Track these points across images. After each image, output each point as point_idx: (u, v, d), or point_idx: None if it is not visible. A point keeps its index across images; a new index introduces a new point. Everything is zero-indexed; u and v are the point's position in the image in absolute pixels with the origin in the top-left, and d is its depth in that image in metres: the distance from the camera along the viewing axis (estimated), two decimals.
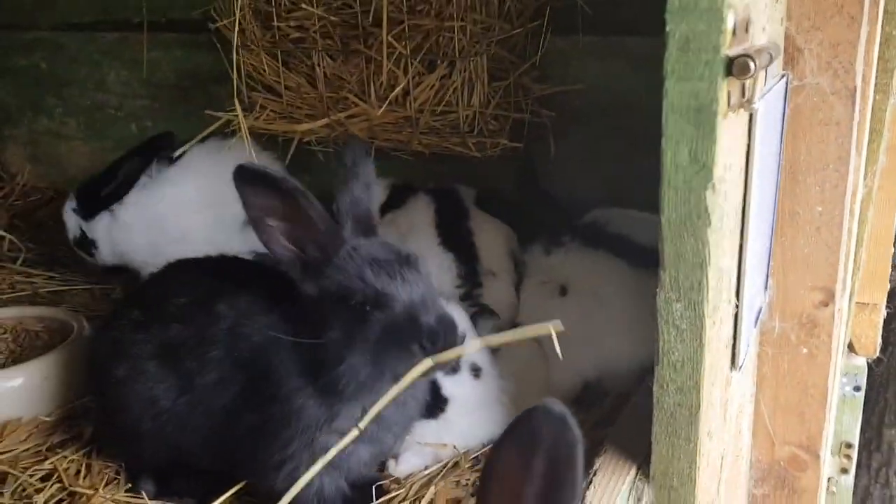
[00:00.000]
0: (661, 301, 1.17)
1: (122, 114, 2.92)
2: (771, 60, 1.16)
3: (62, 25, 2.90)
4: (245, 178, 1.16)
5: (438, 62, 1.86)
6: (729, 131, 1.11)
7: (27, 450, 1.57)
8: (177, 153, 2.15)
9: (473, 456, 1.51)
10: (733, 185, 1.19)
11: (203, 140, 2.18)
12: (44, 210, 2.93)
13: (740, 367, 1.37)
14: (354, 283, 1.19)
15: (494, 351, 1.63)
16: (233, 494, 1.35)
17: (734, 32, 1.07)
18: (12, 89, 3.11)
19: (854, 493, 3.09)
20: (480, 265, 1.88)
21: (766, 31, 1.34)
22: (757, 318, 1.56)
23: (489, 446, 1.56)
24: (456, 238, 1.91)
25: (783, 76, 1.52)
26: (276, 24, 2.00)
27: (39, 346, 1.82)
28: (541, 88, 1.88)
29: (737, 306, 1.31)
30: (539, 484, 0.77)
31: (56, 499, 1.42)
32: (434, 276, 1.75)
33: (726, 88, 1.05)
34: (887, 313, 3.01)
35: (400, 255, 1.24)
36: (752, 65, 1.02)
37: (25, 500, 1.43)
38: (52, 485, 1.45)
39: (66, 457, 1.52)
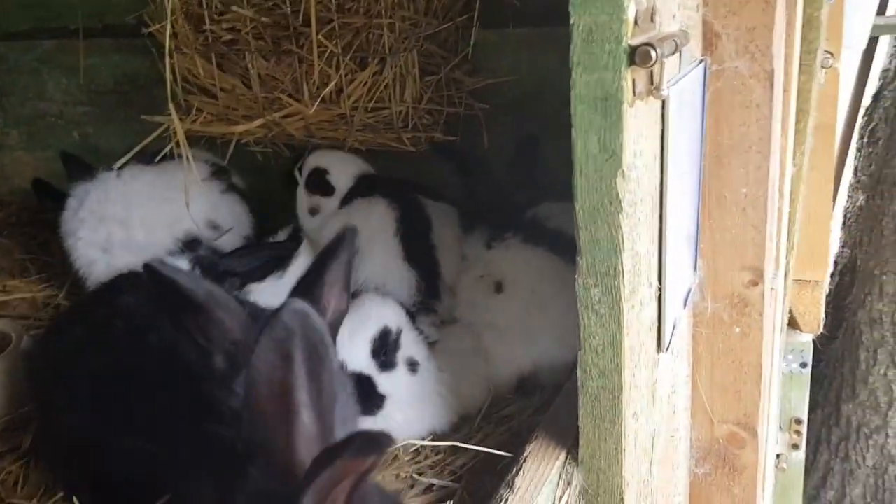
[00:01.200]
0: (579, 287, 1.19)
1: (63, 121, 2.88)
2: (677, 48, 1.18)
3: (3, 35, 2.86)
4: (154, 279, 1.12)
5: (369, 59, 1.86)
6: (638, 119, 1.13)
7: None
8: (117, 164, 2.15)
9: (413, 449, 1.53)
10: (647, 171, 1.21)
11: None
12: None
13: (667, 349, 1.40)
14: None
15: (432, 344, 1.64)
16: None
17: (636, 22, 1.09)
18: None
19: (815, 469, 3.16)
20: (442, 281, 1.90)
21: (677, 18, 1.36)
22: (686, 300, 1.59)
23: (429, 438, 1.58)
24: (419, 254, 1.91)
25: (701, 61, 1.54)
26: (208, 26, 1.98)
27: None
28: (473, 81, 1.90)
29: (659, 289, 1.33)
30: (301, 372, 0.85)
31: None
32: (392, 287, 1.79)
33: (631, 77, 1.07)
34: (839, 290, 3.08)
35: None
36: (653, 53, 1.04)
37: None
38: None
39: (3, 468, 1.50)
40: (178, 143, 1.99)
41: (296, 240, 2.01)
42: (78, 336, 1.44)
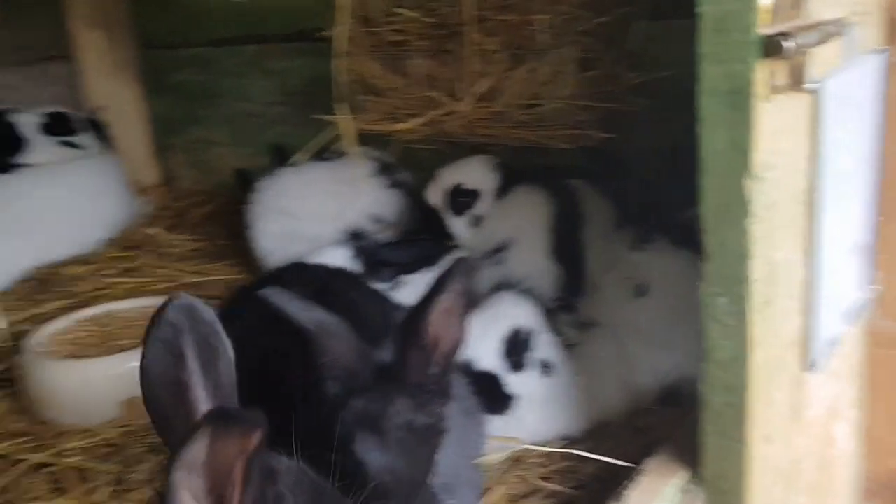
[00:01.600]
0: (704, 295, 1.11)
1: (263, 120, 3.13)
2: (827, 38, 1.07)
3: (210, 42, 3.17)
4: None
5: (526, 56, 1.85)
6: (776, 115, 1.04)
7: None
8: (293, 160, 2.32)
9: (541, 452, 1.50)
10: (791, 172, 1.11)
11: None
12: (202, 209, 3.21)
13: (818, 368, 1.27)
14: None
15: (570, 346, 1.61)
16: None
17: (776, 10, 1.00)
18: (173, 102, 3.43)
19: None
20: (586, 280, 1.85)
21: (844, 4, 1.23)
22: (853, 316, 1.43)
23: (561, 443, 1.55)
24: (567, 250, 1.88)
25: (880, 52, 1.38)
26: (379, 29, 2.07)
27: None
28: (633, 77, 1.82)
29: (807, 302, 1.21)
30: (194, 367, 0.84)
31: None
32: (534, 282, 1.77)
33: (766, 70, 0.99)
34: None
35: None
36: (787, 44, 0.95)
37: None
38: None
39: None
40: (346, 141, 2.10)
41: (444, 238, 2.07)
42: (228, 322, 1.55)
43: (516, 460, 1.50)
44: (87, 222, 2.91)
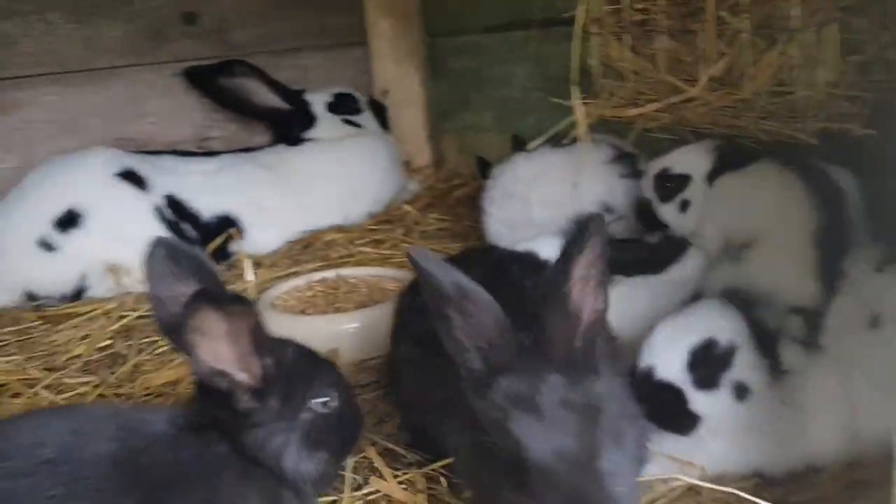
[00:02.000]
0: None
1: (524, 106, 3.14)
2: None
3: (484, 29, 3.24)
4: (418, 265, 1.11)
5: (777, 36, 1.61)
6: None
7: None
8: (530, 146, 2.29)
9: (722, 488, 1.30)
10: None
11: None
12: (459, 192, 3.32)
13: None
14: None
15: (783, 372, 1.37)
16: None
17: None
18: (448, 88, 3.57)
19: None
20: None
21: None
22: None
23: (755, 481, 1.33)
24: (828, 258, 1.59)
25: None
26: (621, 7, 1.96)
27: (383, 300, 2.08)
28: None
29: None
30: None
31: None
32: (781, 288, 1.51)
33: None
34: None
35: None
36: None
37: None
38: None
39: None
40: (579, 127, 2.01)
41: (680, 242, 1.87)
42: (413, 298, 1.57)
43: (690, 489, 1.32)
44: (357, 195, 3.15)
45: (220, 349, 1.09)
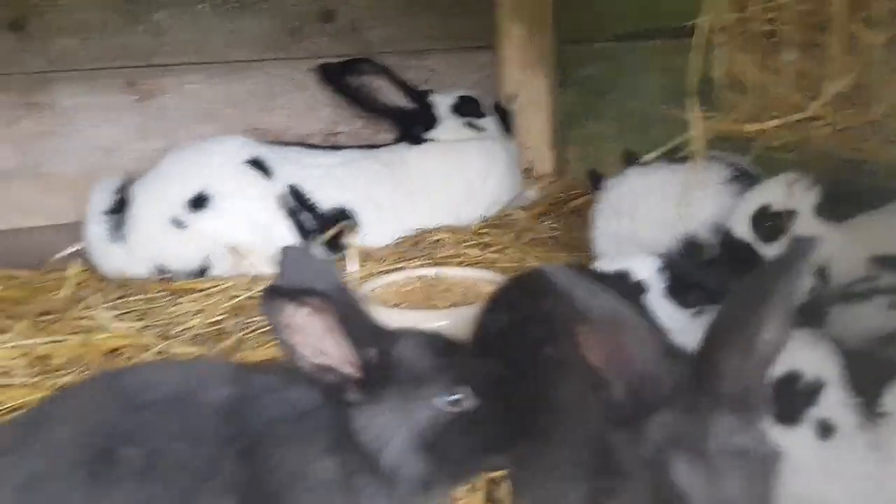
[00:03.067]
0: None
1: (649, 119, 3.04)
2: None
3: (615, 37, 3.17)
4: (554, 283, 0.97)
5: None
6: None
7: None
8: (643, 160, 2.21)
9: None
10: None
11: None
12: (576, 202, 3.27)
13: None
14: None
15: (881, 415, 1.25)
16: None
17: None
18: (575, 97, 3.53)
19: None
20: None
21: None
22: None
23: None
24: None
25: None
26: (747, 16, 1.86)
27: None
28: None
29: None
30: None
31: None
32: None
33: None
34: None
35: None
36: None
37: None
38: None
39: None
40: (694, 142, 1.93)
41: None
42: (505, 303, 1.55)
43: None
44: (471, 198, 3.17)
45: (314, 343, 1.06)
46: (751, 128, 1.81)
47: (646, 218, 2.18)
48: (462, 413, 1.11)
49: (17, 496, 1.03)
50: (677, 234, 2.07)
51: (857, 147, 1.66)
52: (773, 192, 1.84)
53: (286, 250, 1.22)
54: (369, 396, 1.09)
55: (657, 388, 0.94)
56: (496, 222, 3.06)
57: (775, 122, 1.76)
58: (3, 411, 1.85)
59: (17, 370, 2.06)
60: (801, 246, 0.95)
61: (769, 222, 1.82)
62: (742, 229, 1.89)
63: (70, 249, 2.98)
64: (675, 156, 2.25)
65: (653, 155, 2.22)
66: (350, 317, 1.08)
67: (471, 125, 3.34)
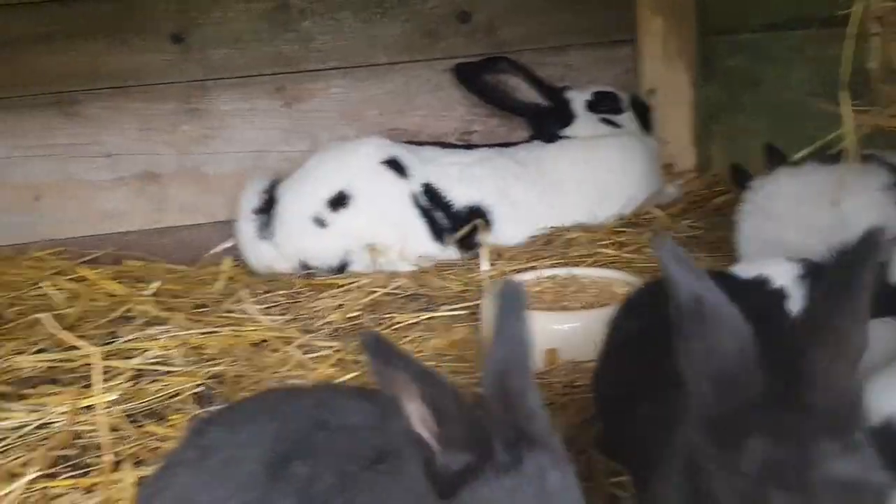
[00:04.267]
0: None
1: (802, 112, 2.87)
2: None
3: (761, 27, 3.01)
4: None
5: None
6: None
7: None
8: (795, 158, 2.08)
9: None
10: None
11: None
12: (720, 199, 3.14)
13: None
14: None
15: None
16: None
17: None
18: (719, 90, 3.38)
19: None
20: None
21: None
22: None
23: None
24: None
25: None
26: None
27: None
28: None
29: None
30: None
31: None
32: None
33: None
34: None
35: None
36: None
37: None
38: None
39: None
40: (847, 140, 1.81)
41: None
42: (639, 309, 1.52)
43: None
44: (607, 196, 3.12)
45: (416, 409, 0.85)
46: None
47: (795, 223, 2.04)
48: None
49: (213, 463, 1.12)
50: (830, 242, 1.92)
51: None
52: None
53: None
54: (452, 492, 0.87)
55: (744, 392, 0.84)
56: (633, 221, 2.99)
57: None
58: (163, 396, 2.00)
59: (176, 359, 2.22)
60: (872, 237, 0.86)
61: None
62: None
63: (223, 246, 3.19)
64: (826, 153, 2.12)
65: (803, 153, 2.09)
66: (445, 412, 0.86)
67: (608, 121, 3.28)
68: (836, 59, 2.66)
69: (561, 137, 3.23)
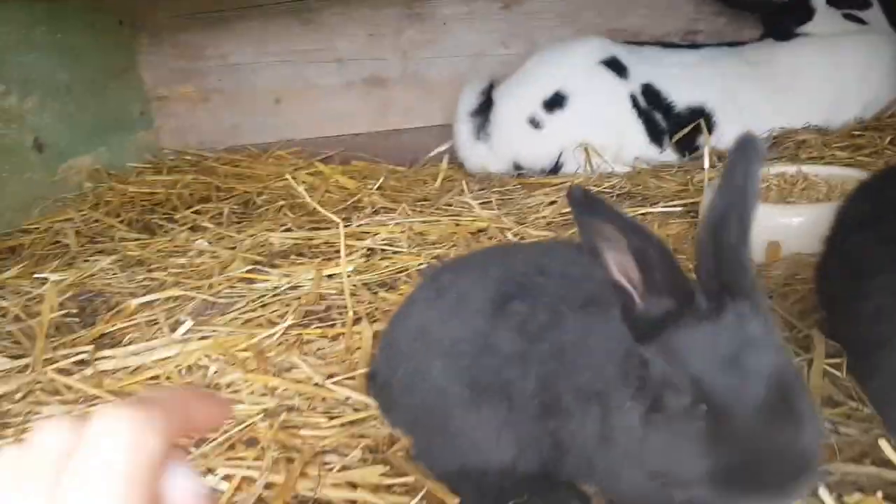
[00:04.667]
0: None
1: None
2: None
3: None
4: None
5: None
6: None
7: None
8: None
9: None
10: None
11: None
12: None
13: None
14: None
15: None
16: None
17: None
18: None
19: None
20: None
21: None
22: None
23: None
24: None
25: None
26: None
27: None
28: None
29: None
30: None
31: None
32: None
33: None
34: None
35: None
36: None
37: None
38: None
39: None
40: None
41: None
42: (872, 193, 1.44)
43: None
44: (844, 99, 2.89)
45: (618, 258, 0.91)
46: None
47: None
48: None
49: (446, 299, 1.25)
50: None
51: None
52: None
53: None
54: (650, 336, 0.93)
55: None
56: (875, 125, 2.75)
57: None
58: (393, 271, 2.18)
59: (402, 242, 2.39)
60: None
61: None
62: None
63: (440, 149, 3.33)
64: None
65: None
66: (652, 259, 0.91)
67: (851, 17, 3.00)
68: None
69: (797, 35, 3.01)
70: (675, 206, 2.34)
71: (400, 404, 1.30)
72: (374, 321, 1.80)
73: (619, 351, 0.99)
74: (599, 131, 2.91)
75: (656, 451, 0.91)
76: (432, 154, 3.37)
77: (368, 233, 2.45)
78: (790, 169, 2.15)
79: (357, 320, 1.81)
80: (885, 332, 1.14)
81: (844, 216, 1.49)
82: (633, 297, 0.92)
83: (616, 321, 0.95)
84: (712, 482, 0.86)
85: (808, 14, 3.03)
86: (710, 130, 2.83)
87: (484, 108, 3.15)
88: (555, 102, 2.95)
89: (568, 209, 2.51)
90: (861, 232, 1.37)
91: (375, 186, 2.89)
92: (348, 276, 2.01)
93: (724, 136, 2.83)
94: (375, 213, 2.67)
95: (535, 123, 2.98)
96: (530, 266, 1.21)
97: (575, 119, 2.93)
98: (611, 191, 2.65)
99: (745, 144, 0.94)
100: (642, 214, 2.34)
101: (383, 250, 2.31)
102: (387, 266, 2.19)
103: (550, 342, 1.09)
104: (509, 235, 2.31)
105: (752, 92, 2.86)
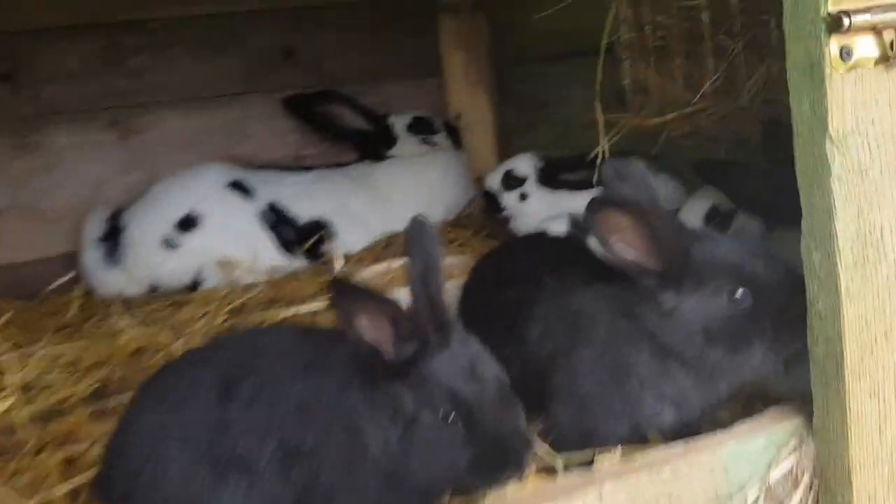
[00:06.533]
0: (803, 250, 1.22)
1: (577, 128, 3.49)
2: None
3: (546, 57, 3.64)
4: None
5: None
6: (860, 86, 1.12)
7: None
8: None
9: None
10: (883, 140, 1.16)
11: None
12: None
13: None
14: None
15: None
16: None
17: None
18: (516, 111, 3.97)
19: None
20: None
21: None
22: None
23: None
24: None
25: None
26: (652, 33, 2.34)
27: None
28: None
29: None
30: None
31: None
32: None
33: (835, 44, 1.09)
34: None
35: None
36: (846, 20, 1.06)
37: None
38: None
39: None
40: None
41: None
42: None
43: None
44: (431, 204, 3.58)
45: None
46: (656, 121, 2.27)
47: None
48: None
49: (176, 397, 1.39)
50: None
51: (734, 130, 2.14)
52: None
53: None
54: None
55: None
56: (458, 224, 3.51)
57: (673, 115, 2.23)
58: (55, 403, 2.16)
59: (53, 372, 2.37)
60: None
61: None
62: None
63: (62, 279, 3.25)
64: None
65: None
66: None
67: (426, 141, 3.77)
68: (603, 82, 3.31)
69: (387, 157, 3.67)
70: (318, 303, 2.70)
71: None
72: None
73: (349, 396, 1.28)
74: (233, 247, 3.19)
75: (420, 461, 1.21)
76: (55, 285, 3.27)
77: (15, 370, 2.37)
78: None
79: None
80: None
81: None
82: (383, 351, 1.24)
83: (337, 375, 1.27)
84: (472, 469, 1.19)
85: (392, 140, 3.73)
86: (332, 238, 3.30)
87: (112, 234, 3.22)
88: (188, 223, 3.17)
89: (223, 318, 2.75)
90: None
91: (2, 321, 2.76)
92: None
93: (344, 241, 3.32)
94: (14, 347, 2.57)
95: (169, 244, 3.15)
96: (247, 349, 1.45)
97: (209, 237, 3.17)
98: (254, 299, 2.92)
99: (416, 223, 1.33)
100: (292, 315, 2.65)
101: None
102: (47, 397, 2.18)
103: (283, 405, 1.33)
104: (173, 349, 2.44)
105: (361, 204, 3.42)
